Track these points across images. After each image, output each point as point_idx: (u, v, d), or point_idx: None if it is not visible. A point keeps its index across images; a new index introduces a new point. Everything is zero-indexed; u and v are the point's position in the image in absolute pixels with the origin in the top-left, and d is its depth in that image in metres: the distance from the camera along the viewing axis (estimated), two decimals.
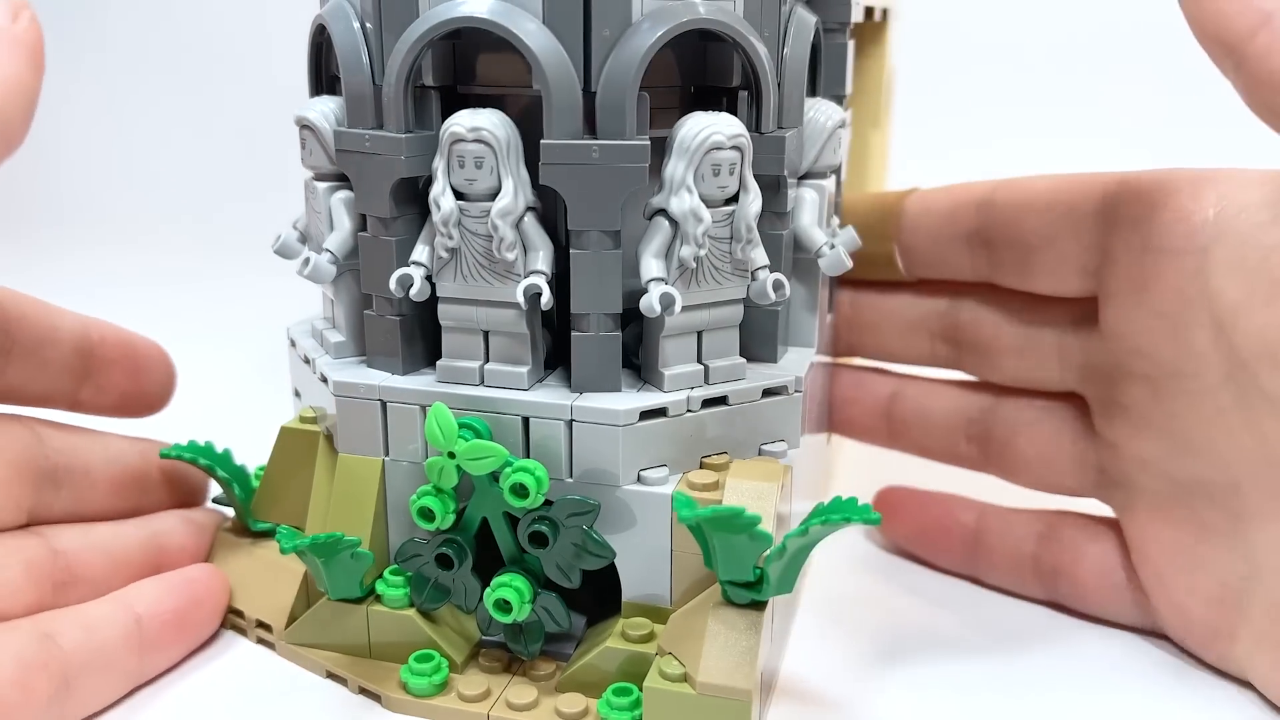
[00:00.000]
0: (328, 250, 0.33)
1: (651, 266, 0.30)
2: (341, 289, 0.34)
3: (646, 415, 0.31)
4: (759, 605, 0.29)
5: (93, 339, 0.35)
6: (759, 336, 0.34)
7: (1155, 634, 0.35)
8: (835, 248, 0.34)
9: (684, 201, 0.29)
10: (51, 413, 0.35)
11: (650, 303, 0.30)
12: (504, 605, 0.31)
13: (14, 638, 0.29)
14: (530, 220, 0.30)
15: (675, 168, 0.29)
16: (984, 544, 0.38)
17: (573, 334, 0.31)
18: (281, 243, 0.35)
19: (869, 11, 0.45)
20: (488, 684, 0.31)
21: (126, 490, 0.36)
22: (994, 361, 0.38)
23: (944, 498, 0.40)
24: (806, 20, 0.33)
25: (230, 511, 0.38)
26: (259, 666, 0.34)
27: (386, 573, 0.33)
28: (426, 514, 0.31)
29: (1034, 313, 0.37)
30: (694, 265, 0.30)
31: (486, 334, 0.32)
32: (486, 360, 0.32)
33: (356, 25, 0.31)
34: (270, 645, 0.34)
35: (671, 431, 0.31)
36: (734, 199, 0.30)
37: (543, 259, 0.30)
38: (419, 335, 0.33)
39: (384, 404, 0.32)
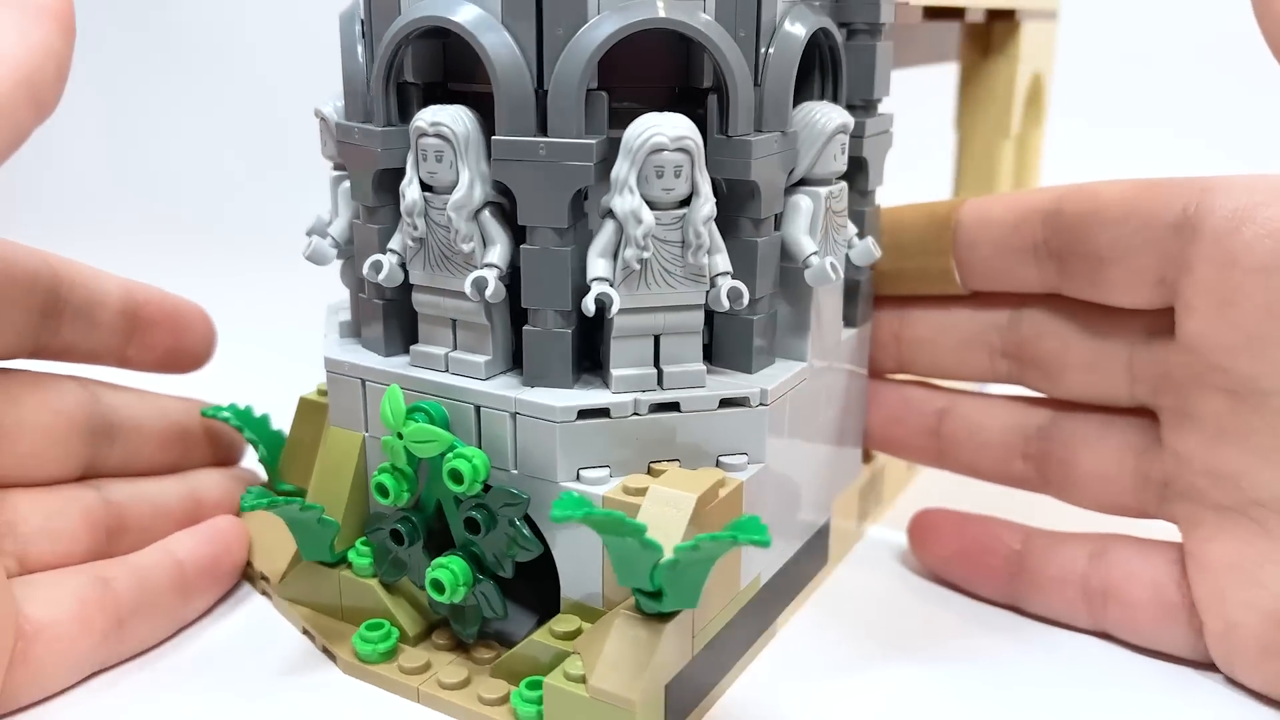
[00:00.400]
0: (330, 235, 0.35)
1: (596, 266, 0.30)
2: (346, 273, 0.36)
3: (587, 414, 0.31)
4: (667, 617, 0.29)
5: (138, 300, 0.39)
6: (733, 345, 0.33)
7: (1197, 663, 0.34)
8: (825, 258, 0.32)
9: (626, 202, 0.29)
10: (103, 372, 0.39)
11: (586, 302, 0.30)
12: (438, 585, 0.32)
13: (74, 580, 0.33)
14: (488, 214, 0.31)
15: (620, 168, 0.29)
16: (1029, 567, 0.36)
17: (524, 329, 0.31)
18: (312, 226, 0.37)
19: (952, 12, 0.43)
20: (429, 659, 0.33)
21: (172, 446, 0.39)
22: (1061, 376, 0.37)
23: (987, 520, 0.38)
24: (805, 20, 0.32)
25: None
26: (255, 616, 0.36)
27: (359, 542, 0.35)
28: (382, 490, 0.32)
29: (1105, 324, 0.36)
30: (638, 267, 0.30)
31: (454, 322, 0.33)
32: (454, 348, 0.33)
33: (358, 26, 0.33)
34: (269, 597, 0.37)
35: (615, 433, 0.31)
36: (687, 202, 0.30)
37: (498, 253, 0.31)
38: (400, 319, 0.34)
39: (364, 382, 0.34)
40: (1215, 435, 0.32)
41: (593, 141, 0.29)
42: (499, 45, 0.29)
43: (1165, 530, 0.35)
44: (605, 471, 0.31)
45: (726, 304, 0.31)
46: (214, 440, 0.41)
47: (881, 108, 0.37)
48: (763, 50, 0.31)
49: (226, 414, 0.40)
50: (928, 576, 0.39)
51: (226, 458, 0.42)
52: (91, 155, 1.00)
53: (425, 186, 0.31)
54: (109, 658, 0.33)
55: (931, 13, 0.41)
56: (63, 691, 0.32)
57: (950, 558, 0.38)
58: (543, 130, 0.30)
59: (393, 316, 0.34)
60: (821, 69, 0.35)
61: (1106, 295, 0.34)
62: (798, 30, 0.31)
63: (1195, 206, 0.32)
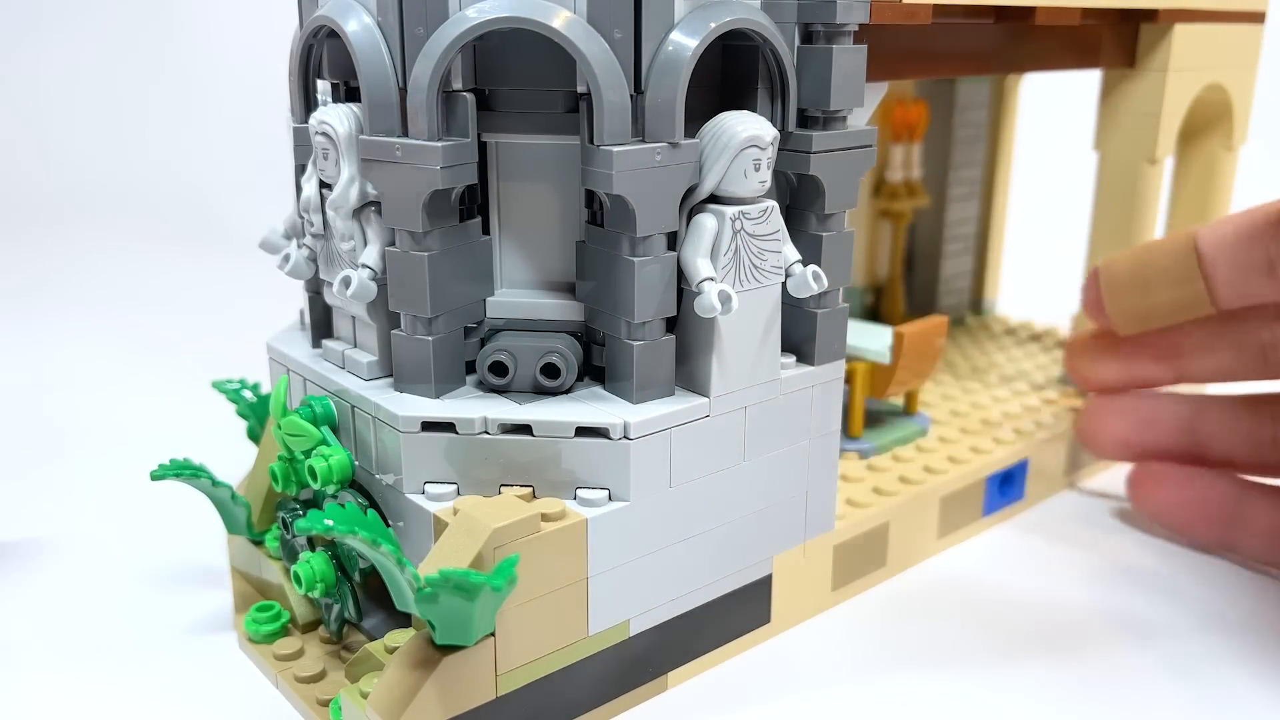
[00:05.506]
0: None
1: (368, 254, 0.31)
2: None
3: (432, 427, 0.30)
4: (451, 649, 0.27)
5: None
6: (618, 373, 0.31)
7: None
8: (718, 286, 0.29)
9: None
10: None
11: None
12: (298, 578, 0.32)
13: None
14: (371, 214, 0.31)
15: None
16: (1246, 517, 0.40)
17: (392, 333, 0.31)
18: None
19: (1037, 12, 0.37)
20: (303, 648, 0.33)
21: None
22: None
23: (1207, 472, 0.42)
24: (717, 19, 0.29)
25: None
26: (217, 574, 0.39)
27: (275, 524, 0.36)
28: (274, 476, 0.33)
29: None
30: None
31: (354, 319, 0.33)
32: (354, 345, 0.33)
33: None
34: None
35: (464, 450, 0.30)
36: None
37: (369, 253, 0.31)
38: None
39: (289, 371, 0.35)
40: None
41: (439, 145, 0.28)
42: (367, 44, 0.29)
43: None
44: (452, 489, 0.30)
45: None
46: None
47: (861, 121, 0.33)
48: (645, 53, 0.28)
49: (234, 385, 0.42)
50: (896, 641, 0.35)
51: None
52: (108, 151, 0.93)
53: (325, 185, 0.32)
54: None
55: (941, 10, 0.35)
56: None
57: (1171, 506, 0.42)
58: (404, 133, 0.29)
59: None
60: (769, 75, 0.31)
61: None
62: (690, 31, 0.28)
63: None
